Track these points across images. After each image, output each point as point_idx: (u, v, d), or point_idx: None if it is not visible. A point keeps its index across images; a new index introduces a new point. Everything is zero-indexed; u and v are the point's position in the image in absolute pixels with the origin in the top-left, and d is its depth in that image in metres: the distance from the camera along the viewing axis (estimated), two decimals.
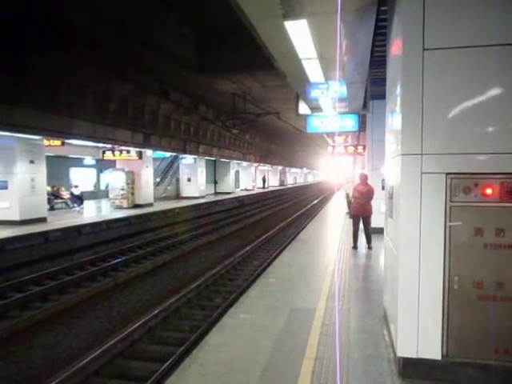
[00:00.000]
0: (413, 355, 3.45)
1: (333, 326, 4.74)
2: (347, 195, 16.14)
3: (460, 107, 3.33)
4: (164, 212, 19.93)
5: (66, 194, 19.89)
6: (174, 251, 12.39)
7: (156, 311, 6.68)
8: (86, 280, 9.06)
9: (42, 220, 14.38)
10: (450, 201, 3.36)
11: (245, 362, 3.88)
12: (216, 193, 34.62)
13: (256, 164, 42.31)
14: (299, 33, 4.33)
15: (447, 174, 3.34)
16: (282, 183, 56.98)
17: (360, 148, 16.42)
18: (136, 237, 14.67)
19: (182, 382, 3.50)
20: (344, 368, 3.70)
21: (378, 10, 5.15)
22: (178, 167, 29.23)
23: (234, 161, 34.30)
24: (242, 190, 40.08)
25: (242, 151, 32.28)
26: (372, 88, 9.71)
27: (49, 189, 17.78)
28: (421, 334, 3.43)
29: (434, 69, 3.34)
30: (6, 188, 13.60)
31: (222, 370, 3.73)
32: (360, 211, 9.48)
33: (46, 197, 15.48)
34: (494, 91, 3.27)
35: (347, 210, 16.23)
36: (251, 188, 42.17)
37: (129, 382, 4.83)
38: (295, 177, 71.86)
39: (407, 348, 3.48)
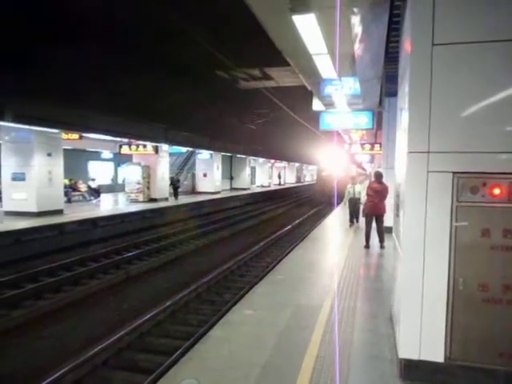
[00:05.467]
0: (415, 357, 3.38)
1: (338, 324, 4.69)
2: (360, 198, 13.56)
3: (469, 105, 3.22)
4: (178, 206, 20.08)
5: (83, 187, 20.22)
6: (187, 246, 12.49)
7: (165, 305, 6.76)
8: (100, 272, 9.22)
9: (59, 212, 14.62)
10: (457, 200, 3.26)
11: (245, 357, 3.87)
12: (232, 188, 34.71)
13: (272, 161, 42.24)
14: (308, 27, 4.28)
15: (454, 173, 3.25)
16: (298, 180, 56.85)
17: (377, 146, 16.22)
18: (149, 231, 14.84)
19: (181, 376, 3.51)
20: (344, 367, 3.66)
21: (391, 4, 5.05)
22: (194, 162, 29.40)
23: (251, 157, 34.28)
24: (257, 186, 40.06)
25: (257, 147, 32.21)
26: (387, 85, 9.53)
27: (66, 182, 18.08)
28: (423, 336, 3.35)
29: (443, 65, 3.24)
30: (23, 180, 13.87)
31: (221, 365, 3.73)
32: (373, 210, 9.35)
33: (62, 189, 15.71)
34: (505, 89, 3.15)
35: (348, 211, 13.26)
36: (267, 184, 42.10)
37: (135, 373, 4.88)
38: (312, 174, 71.53)
39: (409, 349, 3.41)
